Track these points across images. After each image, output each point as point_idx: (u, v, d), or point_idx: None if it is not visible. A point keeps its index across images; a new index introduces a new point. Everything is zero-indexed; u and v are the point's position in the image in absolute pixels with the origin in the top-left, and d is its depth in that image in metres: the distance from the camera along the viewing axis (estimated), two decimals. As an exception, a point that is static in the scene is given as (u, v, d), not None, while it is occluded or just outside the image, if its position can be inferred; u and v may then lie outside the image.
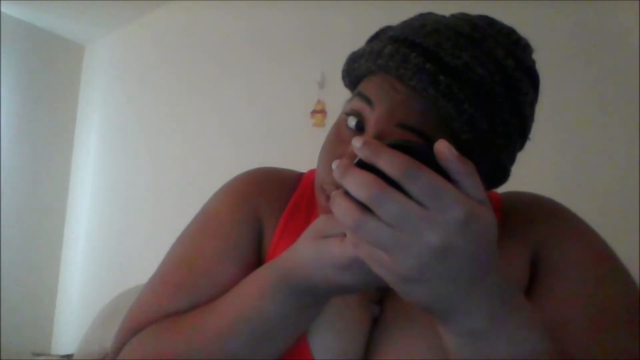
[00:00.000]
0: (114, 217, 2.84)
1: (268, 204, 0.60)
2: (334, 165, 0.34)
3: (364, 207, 0.32)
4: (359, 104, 0.49)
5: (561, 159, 1.43)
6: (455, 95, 0.44)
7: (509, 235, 0.53)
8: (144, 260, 2.49)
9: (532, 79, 0.50)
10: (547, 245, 0.52)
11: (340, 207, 0.33)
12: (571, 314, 0.46)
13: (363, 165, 0.33)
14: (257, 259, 0.58)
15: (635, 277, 0.51)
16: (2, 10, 2.83)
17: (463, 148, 0.47)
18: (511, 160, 0.52)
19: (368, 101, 0.48)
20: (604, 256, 0.51)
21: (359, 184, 0.32)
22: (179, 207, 2.42)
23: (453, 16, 0.52)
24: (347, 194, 0.33)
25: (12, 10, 2.87)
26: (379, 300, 0.54)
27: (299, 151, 1.41)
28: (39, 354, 2.56)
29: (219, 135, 2.42)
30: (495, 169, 0.51)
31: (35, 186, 2.99)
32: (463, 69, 0.45)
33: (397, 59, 0.46)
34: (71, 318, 2.91)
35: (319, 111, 2.00)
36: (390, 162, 0.31)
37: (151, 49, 2.87)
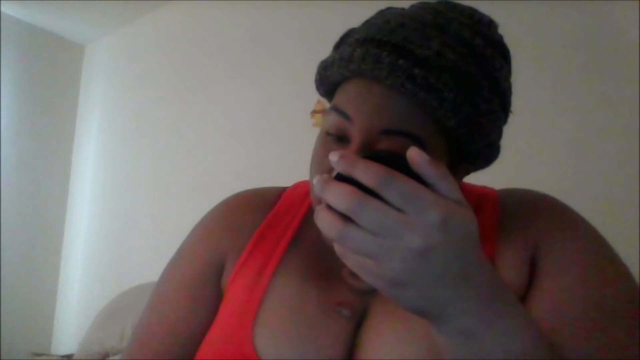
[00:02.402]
0: (114, 217, 2.84)
1: (234, 236, 0.62)
2: (315, 180, 0.35)
3: (347, 219, 0.33)
4: (337, 120, 0.49)
5: (561, 158, 1.42)
6: (433, 86, 0.45)
7: (507, 233, 0.53)
8: (144, 260, 2.49)
9: (502, 54, 0.51)
10: (546, 243, 0.51)
11: (324, 221, 0.34)
12: (571, 313, 0.46)
13: (342, 178, 0.34)
14: (217, 294, 0.60)
15: (635, 276, 0.51)
16: (2, 10, 2.83)
17: (451, 134, 0.48)
18: (499, 135, 0.53)
19: (345, 116, 0.48)
20: (603, 254, 0.51)
21: (337, 195, 0.33)
22: (179, 207, 2.42)
23: (413, 7, 0.52)
24: (329, 207, 0.34)
25: (12, 10, 2.87)
26: (351, 303, 0.54)
27: (299, 151, 1.41)
28: (39, 354, 2.56)
29: (218, 135, 2.42)
30: (486, 148, 0.51)
31: (35, 186, 2.99)
32: (435, 58, 0.45)
33: (369, 61, 0.46)
34: (71, 318, 2.91)
35: (319, 111, 2.00)
36: (365, 172, 0.33)
37: (151, 49, 2.87)
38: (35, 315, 2.90)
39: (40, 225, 3.00)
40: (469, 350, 0.37)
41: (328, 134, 0.50)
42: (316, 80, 0.57)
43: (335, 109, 0.50)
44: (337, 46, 0.55)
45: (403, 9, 0.52)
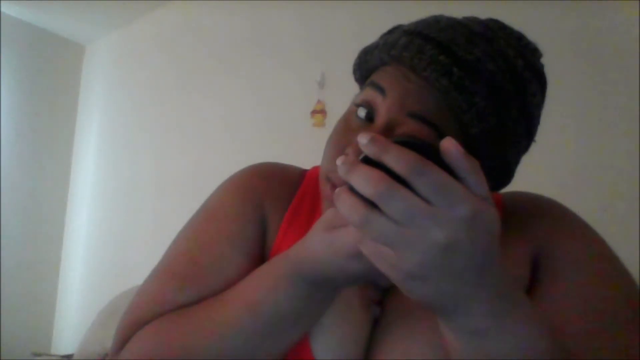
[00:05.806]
0: (114, 218, 2.84)
1: (272, 200, 0.59)
2: (339, 161, 0.33)
3: (369, 203, 0.32)
4: (370, 93, 0.50)
5: (561, 158, 1.42)
6: (467, 88, 0.45)
7: (510, 234, 0.53)
8: (144, 260, 2.49)
9: (540, 82, 0.51)
10: (547, 245, 0.52)
11: (346, 204, 0.33)
12: (571, 314, 0.46)
13: (368, 160, 0.33)
14: (261, 254, 0.58)
15: (635, 277, 0.51)
16: (2, 10, 2.83)
17: (471, 142, 0.48)
18: (516, 160, 0.53)
19: (380, 90, 0.49)
20: (604, 256, 0.51)
21: (366, 180, 0.32)
22: (179, 207, 2.42)
23: (465, 17, 0.53)
24: (351, 190, 0.33)
25: (12, 10, 2.87)
26: (379, 301, 0.54)
27: (299, 151, 1.41)
28: (39, 354, 2.56)
29: (219, 135, 2.42)
30: (500, 168, 0.51)
31: (35, 186, 2.99)
32: (475, 63, 0.46)
33: (411, 50, 0.47)
34: (71, 318, 2.91)
35: (319, 111, 2.00)
36: (397, 159, 0.31)
37: (151, 49, 2.87)
38: (35, 315, 2.90)
39: (40, 225, 3.00)
40: (477, 348, 0.36)
41: (356, 105, 0.51)
42: (355, 64, 0.58)
43: (372, 84, 0.50)
44: (384, 35, 0.56)
45: (456, 17, 0.53)
